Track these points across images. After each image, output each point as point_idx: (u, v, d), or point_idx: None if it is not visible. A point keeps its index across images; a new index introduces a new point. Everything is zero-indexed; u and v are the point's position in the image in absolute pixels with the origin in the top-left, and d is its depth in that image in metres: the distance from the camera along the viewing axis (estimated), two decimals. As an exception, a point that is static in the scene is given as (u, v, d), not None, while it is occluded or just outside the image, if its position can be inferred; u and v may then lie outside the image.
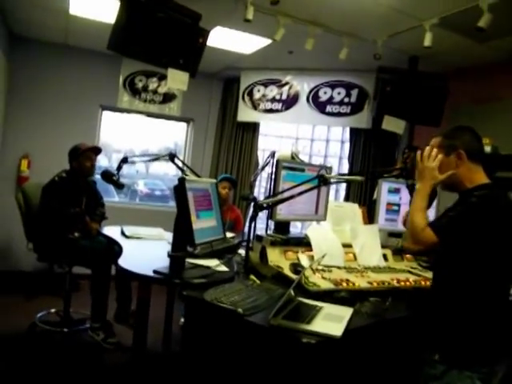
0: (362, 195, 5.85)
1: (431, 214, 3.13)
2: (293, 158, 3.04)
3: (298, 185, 2.47)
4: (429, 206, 2.25)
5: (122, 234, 3.41)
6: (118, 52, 3.37)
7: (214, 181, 2.73)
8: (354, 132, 6.02)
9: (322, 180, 2.35)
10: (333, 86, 5.73)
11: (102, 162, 6.68)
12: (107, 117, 6.05)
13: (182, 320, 3.94)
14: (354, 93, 5.65)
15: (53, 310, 4.16)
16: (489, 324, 1.74)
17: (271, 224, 2.84)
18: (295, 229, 4.87)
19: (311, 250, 2.65)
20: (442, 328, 1.80)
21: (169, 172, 7.47)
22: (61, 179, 3.74)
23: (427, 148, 1.95)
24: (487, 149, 3.88)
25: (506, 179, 3.70)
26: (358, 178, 2.56)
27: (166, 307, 3.87)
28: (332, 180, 2.45)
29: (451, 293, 1.80)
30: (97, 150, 3.99)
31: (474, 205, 1.75)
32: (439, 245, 1.77)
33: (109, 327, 3.73)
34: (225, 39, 4.74)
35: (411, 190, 2.65)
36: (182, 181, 2.21)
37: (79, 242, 3.69)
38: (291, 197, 2.41)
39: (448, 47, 4.31)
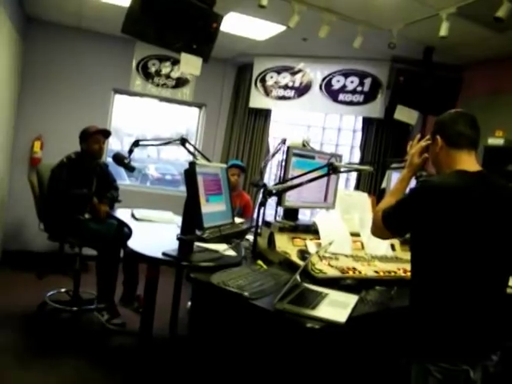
0: (373, 184, 5.84)
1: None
2: (304, 145, 3.04)
3: (308, 172, 2.47)
4: None
5: (132, 216, 3.45)
6: (132, 36, 3.38)
7: (224, 166, 2.74)
8: (367, 121, 5.98)
9: (332, 168, 2.35)
10: (346, 74, 5.69)
11: (114, 145, 6.71)
12: (120, 100, 6.07)
13: (189, 304, 3.99)
14: (368, 82, 5.60)
15: (63, 290, 4.22)
16: (450, 319, 1.63)
17: (280, 211, 2.85)
18: (304, 216, 4.89)
19: (319, 238, 2.66)
20: (409, 321, 1.74)
21: (180, 157, 7.48)
22: (69, 161, 3.77)
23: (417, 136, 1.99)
24: (500, 141, 3.84)
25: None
26: (367, 167, 2.56)
27: (173, 291, 3.91)
28: (341, 169, 2.45)
29: (414, 285, 1.77)
30: (106, 133, 4.00)
31: (413, 191, 1.73)
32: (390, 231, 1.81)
33: (114, 308, 3.78)
34: (238, 25, 4.72)
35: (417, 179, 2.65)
36: (192, 164, 2.23)
37: (86, 224, 3.74)
38: (300, 184, 2.42)
39: (464, 37, 4.24)
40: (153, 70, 5.96)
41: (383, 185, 4.13)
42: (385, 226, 1.80)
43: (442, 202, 1.61)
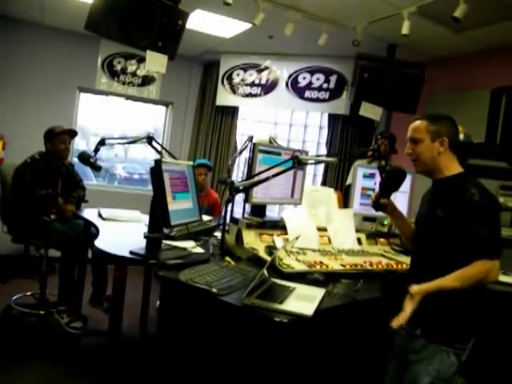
0: (339, 180, 5.93)
1: (403, 198, 3.21)
2: (270, 142, 3.07)
3: (273, 167, 2.50)
4: (396, 189, 2.31)
5: (99, 216, 3.41)
6: (96, 33, 3.33)
7: (190, 163, 2.74)
8: (332, 118, 6.07)
9: (296, 161, 2.38)
10: (312, 71, 5.75)
11: (80, 145, 6.60)
12: (85, 99, 5.97)
13: (159, 302, 3.98)
14: (333, 79, 5.68)
15: (29, 293, 4.14)
16: (466, 305, 1.85)
17: (248, 208, 2.87)
18: (272, 213, 4.93)
19: (287, 233, 2.69)
20: (426, 307, 1.80)
21: (148, 156, 7.42)
22: (33, 161, 3.70)
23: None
24: (460, 136, 3.96)
25: (478, 166, 3.82)
26: (331, 159, 2.61)
27: (142, 290, 3.90)
28: (306, 161, 2.48)
29: (438, 277, 1.82)
30: (72, 133, 3.93)
31: (494, 210, 1.88)
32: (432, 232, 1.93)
33: (75, 311, 3.71)
34: (204, 23, 4.71)
35: (382, 171, 2.71)
36: (158, 162, 2.22)
37: (52, 225, 3.67)
38: (266, 179, 2.44)
39: (425, 36, 4.36)
40: (118, 67, 5.89)
41: (349, 181, 4.20)
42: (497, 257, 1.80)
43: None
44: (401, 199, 2.98)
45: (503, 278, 2.69)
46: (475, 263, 1.74)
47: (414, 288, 1.73)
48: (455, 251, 1.83)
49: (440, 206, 1.89)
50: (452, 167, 1.95)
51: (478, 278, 1.76)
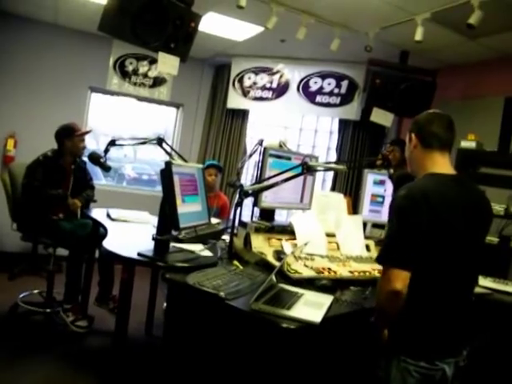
0: (348, 186, 5.90)
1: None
2: (280, 146, 3.06)
3: (282, 172, 2.49)
4: None
5: (108, 216, 3.42)
6: (109, 34, 3.33)
7: (200, 166, 2.73)
8: (343, 123, 6.05)
9: (306, 167, 2.37)
10: (323, 76, 5.74)
11: (90, 145, 6.62)
12: (96, 99, 6.00)
13: (165, 304, 3.97)
14: (345, 84, 5.66)
15: (36, 291, 4.15)
16: (432, 320, 1.66)
17: (257, 211, 2.86)
18: (280, 217, 4.91)
19: (295, 239, 2.68)
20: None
21: (156, 157, 7.44)
22: (45, 158, 3.69)
23: None
24: (472, 144, 3.92)
25: (489, 175, 3.79)
26: (341, 167, 2.59)
27: (149, 292, 3.89)
28: (316, 168, 2.47)
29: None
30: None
31: (399, 204, 1.65)
32: None
33: (80, 310, 3.71)
34: (217, 25, 4.72)
35: (393, 179, 2.68)
36: (168, 164, 2.22)
37: (61, 224, 3.67)
38: (275, 184, 2.43)
39: (439, 42, 4.34)
40: (130, 68, 5.91)
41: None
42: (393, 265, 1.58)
43: (428, 206, 1.58)
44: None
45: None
46: None
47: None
48: None
49: None
50: (428, 166, 1.73)
51: (379, 288, 1.63)
